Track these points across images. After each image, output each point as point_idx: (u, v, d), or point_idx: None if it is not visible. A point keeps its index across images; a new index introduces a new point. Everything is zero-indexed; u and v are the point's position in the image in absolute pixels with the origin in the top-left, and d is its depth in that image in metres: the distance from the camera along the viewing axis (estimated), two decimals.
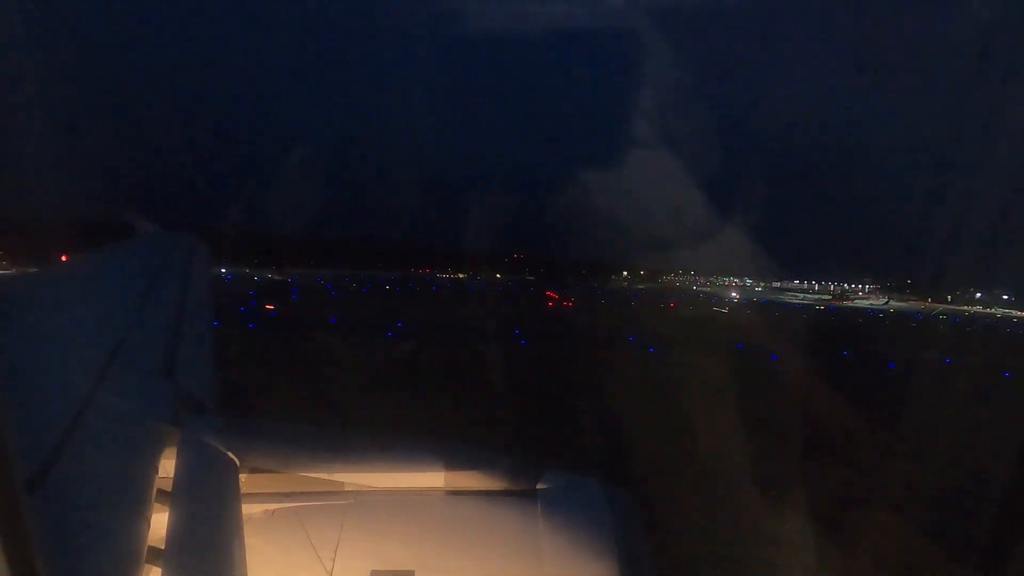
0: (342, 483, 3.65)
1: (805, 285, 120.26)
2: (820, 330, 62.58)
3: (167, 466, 3.20)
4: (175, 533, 2.68)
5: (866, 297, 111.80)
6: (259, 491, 3.57)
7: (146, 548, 2.49)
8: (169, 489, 3.00)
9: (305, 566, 3.28)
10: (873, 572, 13.13)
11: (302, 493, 3.61)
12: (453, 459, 3.74)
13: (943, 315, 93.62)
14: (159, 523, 2.72)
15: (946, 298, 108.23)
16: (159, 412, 3.73)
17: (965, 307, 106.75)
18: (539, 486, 3.69)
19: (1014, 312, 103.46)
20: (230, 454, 3.46)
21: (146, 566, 2.48)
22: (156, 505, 2.82)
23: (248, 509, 3.34)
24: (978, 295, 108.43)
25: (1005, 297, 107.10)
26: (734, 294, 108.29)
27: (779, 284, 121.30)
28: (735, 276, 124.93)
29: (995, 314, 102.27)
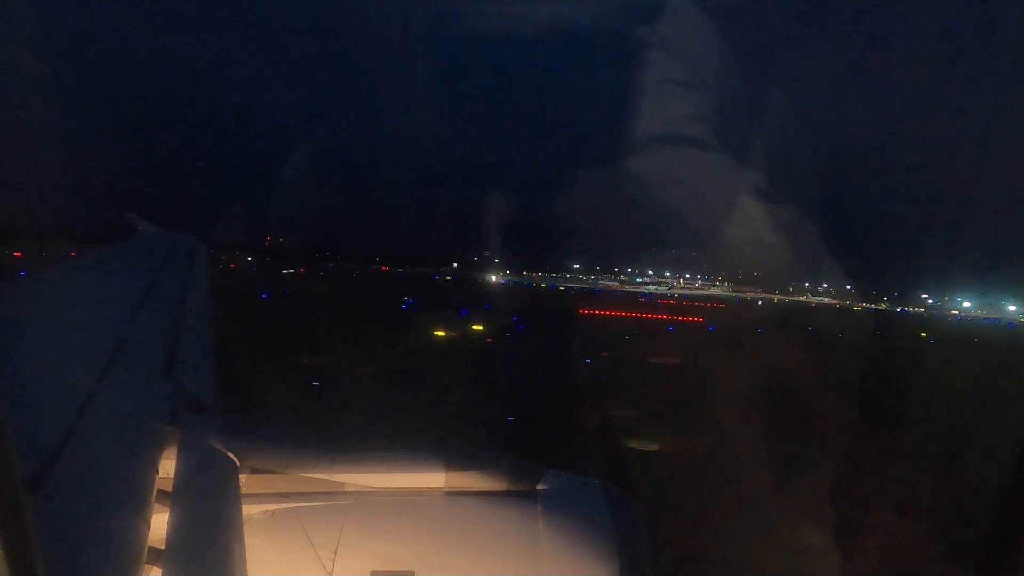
0: (342, 483, 3.65)
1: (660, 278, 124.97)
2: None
3: (167, 466, 3.20)
4: (175, 533, 2.68)
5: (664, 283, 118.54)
6: (259, 491, 3.56)
7: (146, 548, 2.49)
8: (169, 489, 3.00)
9: (305, 566, 3.28)
10: None
11: (302, 493, 3.61)
12: (453, 459, 3.74)
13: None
14: (159, 523, 2.72)
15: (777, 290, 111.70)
16: (159, 412, 3.73)
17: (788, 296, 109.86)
18: (539, 486, 3.68)
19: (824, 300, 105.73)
20: (230, 454, 3.46)
21: (146, 566, 2.49)
22: (156, 505, 2.83)
23: (248, 509, 3.34)
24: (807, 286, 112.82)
25: (823, 288, 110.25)
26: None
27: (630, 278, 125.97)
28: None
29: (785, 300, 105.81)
